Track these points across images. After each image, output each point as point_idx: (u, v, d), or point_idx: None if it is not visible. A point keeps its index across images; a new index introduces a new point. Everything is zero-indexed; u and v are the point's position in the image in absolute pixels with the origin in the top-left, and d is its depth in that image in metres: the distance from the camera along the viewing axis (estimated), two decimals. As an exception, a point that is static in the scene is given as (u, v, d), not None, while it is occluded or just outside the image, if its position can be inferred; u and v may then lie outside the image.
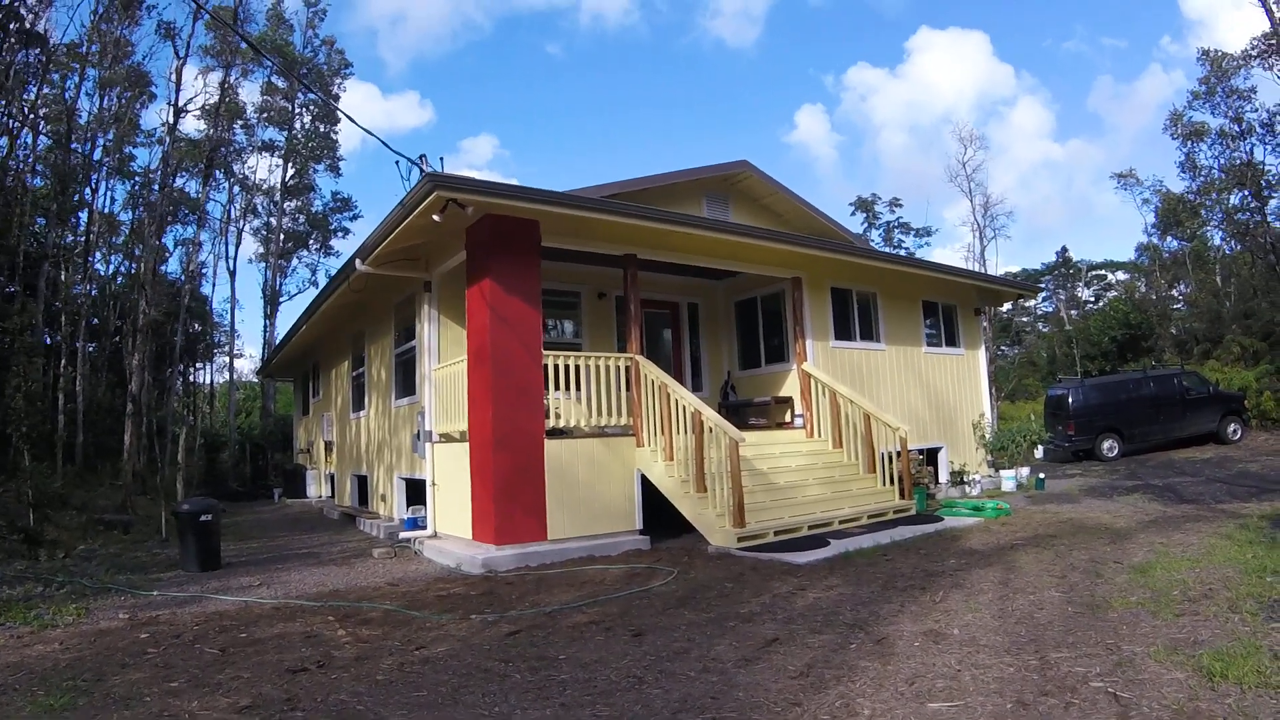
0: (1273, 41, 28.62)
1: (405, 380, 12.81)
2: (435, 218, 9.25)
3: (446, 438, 10.93)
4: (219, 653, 5.80)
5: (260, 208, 35.04)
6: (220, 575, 9.46)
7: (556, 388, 9.94)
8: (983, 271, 34.58)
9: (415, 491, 12.27)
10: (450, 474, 10.70)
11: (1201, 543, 8.13)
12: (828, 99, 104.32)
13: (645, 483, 10.43)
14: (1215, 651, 4.57)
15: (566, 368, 10.09)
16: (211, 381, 37.62)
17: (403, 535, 11.29)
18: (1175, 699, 3.94)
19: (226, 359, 36.07)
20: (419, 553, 10.58)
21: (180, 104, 27.39)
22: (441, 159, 9.64)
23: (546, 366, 9.90)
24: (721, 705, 4.30)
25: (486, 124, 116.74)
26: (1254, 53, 30.53)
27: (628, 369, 10.70)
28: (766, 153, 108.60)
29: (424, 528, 11.17)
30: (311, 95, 32.86)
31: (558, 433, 9.99)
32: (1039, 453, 17.72)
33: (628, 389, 10.66)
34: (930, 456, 15.07)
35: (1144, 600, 5.94)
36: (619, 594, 7.33)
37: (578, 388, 10.17)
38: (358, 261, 11.23)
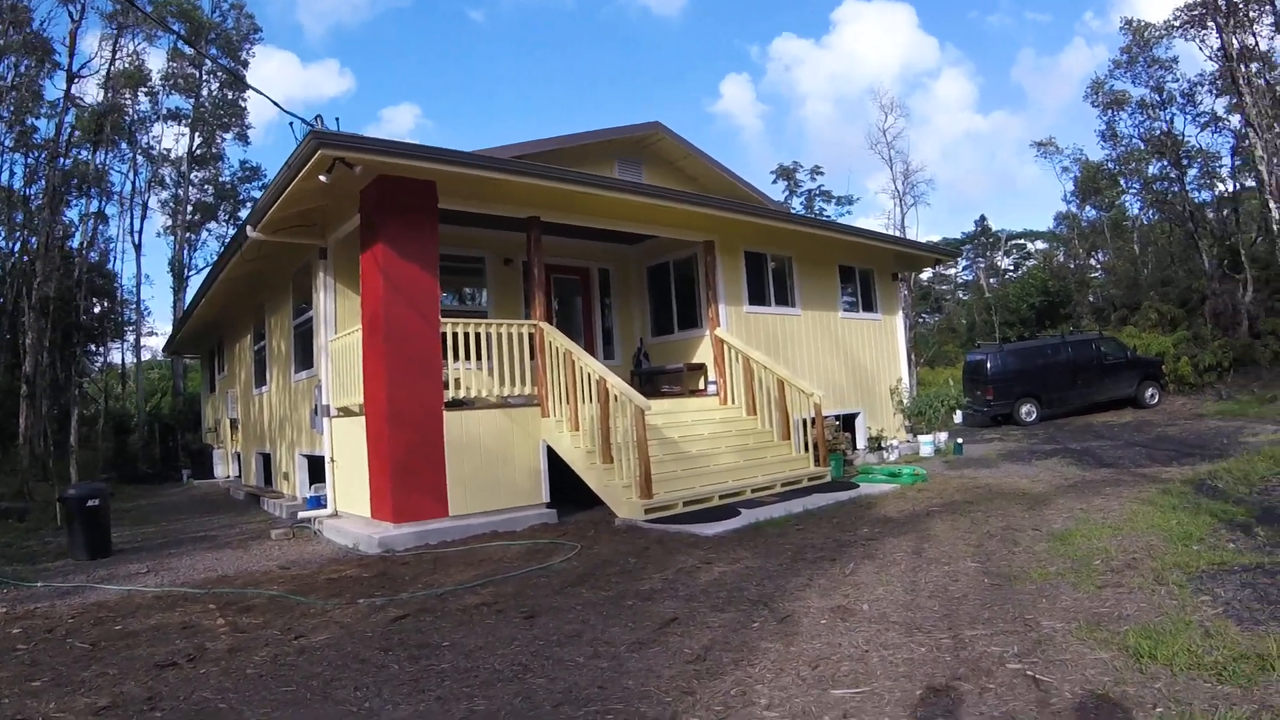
0: (1196, 11, 28.90)
1: (304, 353, 12.24)
2: (322, 178, 8.73)
3: (345, 411, 10.43)
4: (89, 647, 5.46)
5: (168, 179, 33.66)
6: (109, 563, 8.99)
7: (456, 358, 9.51)
8: (904, 237, 34.68)
9: (317, 469, 11.76)
10: (349, 450, 10.21)
11: (1123, 508, 7.95)
12: (753, 69, 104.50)
13: (552, 455, 10.10)
14: (1142, 628, 4.30)
15: (467, 336, 9.66)
16: (124, 361, 36.22)
17: (302, 515, 10.82)
18: (1100, 682, 3.67)
19: (138, 337, 34.73)
20: (318, 533, 10.16)
21: (75, 70, 26.12)
22: (338, 120, 9.16)
23: (445, 335, 9.46)
24: (608, 695, 4.00)
25: (409, 93, 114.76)
26: (1176, 22, 30.85)
27: (532, 336, 10.30)
28: (692, 122, 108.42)
29: (325, 506, 10.69)
30: (221, 62, 31.51)
31: (458, 404, 9.58)
32: (957, 418, 17.75)
33: (532, 358, 10.28)
34: (847, 422, 15.02)
35: (1064, 570, 5.73)
36: (517, 572, 7.02)
37: (479, 357, 9.76)
38: (250, 228, 10.68)
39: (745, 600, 5.62)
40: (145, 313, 34.90)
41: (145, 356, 36.93)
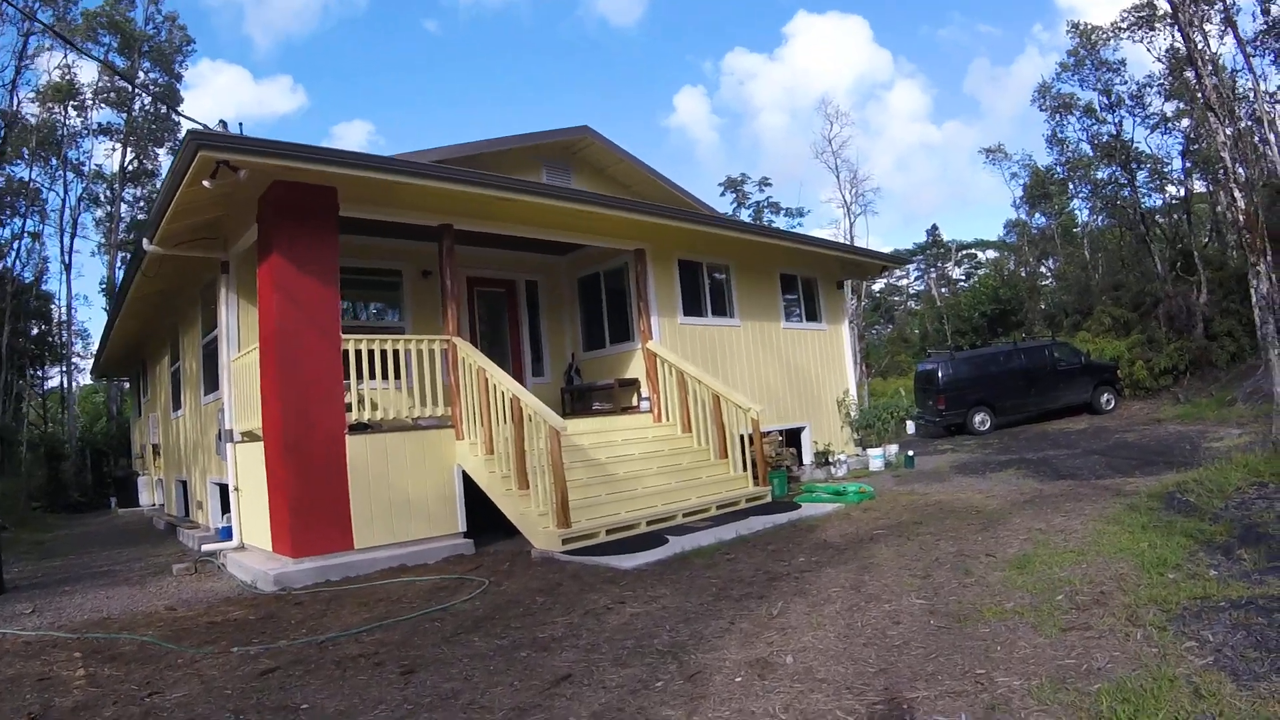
0: (1144, 12, 28.82)
1: (211, 374, 11.48)
2: (205, 183, 8.02)
3: (248, 436, 9.72)
4: (-66, 706, 4.87)
5: (101, 196, 32.68)
6: (-1, 601, 8.44)
7: (361, 377, 8.85)
8: (847, 243, 34.28)
9: (226, 498, 11.02)
10: (253, 477, 9.49)
11: (1086, 528, 7.14)
12: (707, 83, 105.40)
13: (470, 480, 9.45)
14: (1117, 686, 3.53)
15: (373, 353, 9.00)
16: (61, 385, 35.17)
17: (206, 548, 10.14)
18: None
19: (74, 360, 33.75)
20: (223, 567, 9.50)
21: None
22: (240, 124, 8.50)
23: (347, 353, 8.80)
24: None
25: (361, 110, 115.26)
26: (1124, 25, 30.90)
27: (445, 353, 9.66)
28: (647, 136, 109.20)
29: (233, 538, 9.99)
30: (153, 75, 30.66)
31: (363, 427, 8.92)
32: (910, 428, 17.37)
33: (446, 375, 9.64)
34: (793, 437, 14.51)
35: (1022, 608, 4.95)
36: (410, 615, 6.41)
37: (385, 376, 9.09)
38: (145, 242, 9.93)
39: (653, 651, 4.94)
40: (83, 334, 33.72)
41: (86, 380, 36.03)
